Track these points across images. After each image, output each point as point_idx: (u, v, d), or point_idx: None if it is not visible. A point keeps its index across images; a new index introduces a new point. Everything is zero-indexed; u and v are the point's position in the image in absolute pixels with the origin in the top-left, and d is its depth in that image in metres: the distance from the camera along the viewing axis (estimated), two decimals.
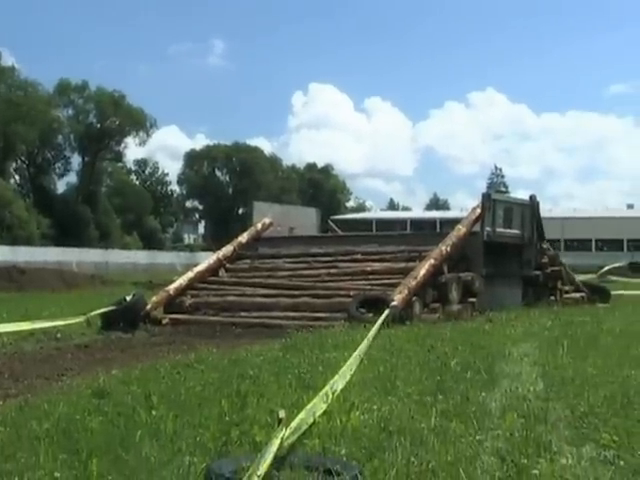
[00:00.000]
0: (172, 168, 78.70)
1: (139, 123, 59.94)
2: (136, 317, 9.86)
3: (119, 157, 64.49)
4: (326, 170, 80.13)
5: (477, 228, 11.39)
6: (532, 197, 13.03)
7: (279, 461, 2.91)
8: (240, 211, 68.64)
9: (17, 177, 58.66)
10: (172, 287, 11.15)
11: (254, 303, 10.54)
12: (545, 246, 13.13)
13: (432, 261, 10.19)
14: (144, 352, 7.54)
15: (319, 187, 75.47)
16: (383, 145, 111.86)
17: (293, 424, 3.27)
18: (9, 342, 8.01)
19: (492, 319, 9.22)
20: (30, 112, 51.23)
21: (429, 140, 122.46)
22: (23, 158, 57.72)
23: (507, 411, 3.97)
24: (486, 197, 11.73)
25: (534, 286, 12.41)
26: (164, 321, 10.27)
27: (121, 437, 3.50)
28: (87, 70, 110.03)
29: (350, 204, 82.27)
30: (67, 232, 49.49)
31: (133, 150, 64.34)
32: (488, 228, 11.33)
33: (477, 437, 3.46)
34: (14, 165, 57.77)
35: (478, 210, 11.51)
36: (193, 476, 2.94)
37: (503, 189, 70.80)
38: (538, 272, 12.45)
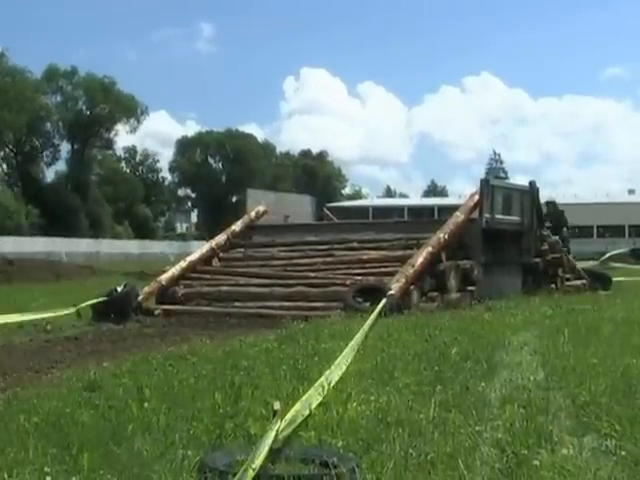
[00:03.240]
0: (162, 155, 78.46)
1: (130, 110, 59.68)
2: (127, 308, 9.84)
3: (109, 145, 64.26)
4: (321, 157, 80.00)
5: (476, 215, 11.37)
6: (532, 183, 13.02)
7: (274, 454, 2.91)
8: (234, 199, 68.53)
9: (4, 166, 58.46)
10: (164, 277, 11.12)
11: (248, 293, 10.53)
12: (545, 233, 13.13)
13: (430, 249, 10.18)
14: (136, 344, 7.52)
15: (314, 174, 75.38)
16: (378, 131, 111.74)
17: (288, 416, 3.26)
18: None
19: (491, 307, 9.23)
20: (18, 99, 50.93)
21: (425, 125, 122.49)
22: (10, 146, 57.42)
23: (507, 401, 3.98)
24: (484, 183, 11.71)
25: (534, 274, 12.42)
26: (156, 312, 10.25)
27: (113, 431, 3.49)
28: (74, 55, 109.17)
29: (346, 191, 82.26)
30: (56, 222, 49.35)
31: (123, 137, 64.01)
32: (487, 215, 11.30)
33: (476, 428, 3.46)
34: (1, 154, 57.48)
35: (476, 197, 11.48)
36: (186, 470, 2.93)
37: (502, 175, 70.82)
38: (538, 259, 12.45)
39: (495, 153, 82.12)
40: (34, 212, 51.23)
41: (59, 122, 58.84)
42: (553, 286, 12.63)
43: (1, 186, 49.97)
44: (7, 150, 57.76)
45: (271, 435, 2.85)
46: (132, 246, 48.10)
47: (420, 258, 9.89)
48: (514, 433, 3.36)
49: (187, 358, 5.79)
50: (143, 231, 60.34)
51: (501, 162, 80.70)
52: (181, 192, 78.42)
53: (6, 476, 2.84)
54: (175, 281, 11.18)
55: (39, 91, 55.90)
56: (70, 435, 3.40)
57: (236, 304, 10.24)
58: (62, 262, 29.65)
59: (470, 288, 10.56)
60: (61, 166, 62.02)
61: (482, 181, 11.87)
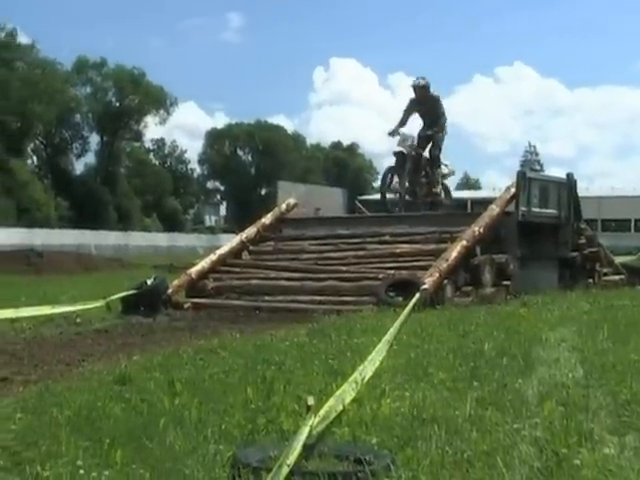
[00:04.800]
0: (190, 146, 79.03)
1: (159, 101, 60.12)
2: (157, 301, 9.93)
3: (138, 136, 64.81)
4: (351, 149, 79.76)
5: (511, 208, 11.24)
6: (569, 175, 12.82)
7: (308, 450, 2.91)
8: (263, 192, 68.76)
9: (35, 158, 59.34)
10: (194, 270, 11.20)
11: (278, 287, 10.55)
12: (583, 226, 12.94)
13: (464, 243, 10.09)
14: (165, 337, 7.60)
15: (344, 166, 75.18)
16: (409, 122, 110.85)
17: (322, 412, 3.26)
18: (28, 327, 8.11)
19: (527, 303, 9.11)
20: (48, 91, 51.63)
21: (456, 117, 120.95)
22: (41, 138, 58.27)
23: (545, 399, 3.92)
24: (521, 175, 11.57)
25: (571, 268, 12.25)
26: (186, 305, 10.34)
27: (144, 425, 3.52)
28: (102, 46, 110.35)
29: (377, 184, 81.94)
30: (85, 214, 50.04)
31: (152, 129, 64.56)
32: (523, 208, 11.18)
33: (514, 426, 3.42)
34: (31, 146, 58.38)
35: (512, 189, 11.35)
36: (219, 465, 2.95)
37: (537, 167, 69.90)
38: (575, 253, 12.28)
39: (530, 145, 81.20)
40: (63, 204, 52.02)
41: (88, 114, 59.53)
42: (590, 281, 12.45)
43: (31, 178, 50.72)
44: (37, 142, 58.64)
45: (305, 431, 2.85)
46: (161, 239, 48.56)
47: (454, 252, 9.81)
48: (553, 431, 3.30)
49: (217, 352, 5.82)
50: (172, 224, 60.86)
51: (536, 154, 79.77)
52: (210, 184, 78.86)
53: (39, 469, 2.88)
54: (205, 274, 11.24)
55: (69, 83, 56.61)
56: (102, 429, 3.44)
57: (266, 298, 10.28)
58: (91, 254, 30.07)
59: (505, 283, 10.45)
60: (90, 158, 62.85)
61: (519, 173, 11.73)
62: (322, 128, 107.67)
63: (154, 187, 64.49)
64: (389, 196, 12.71)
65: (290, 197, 13.35)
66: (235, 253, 12.00)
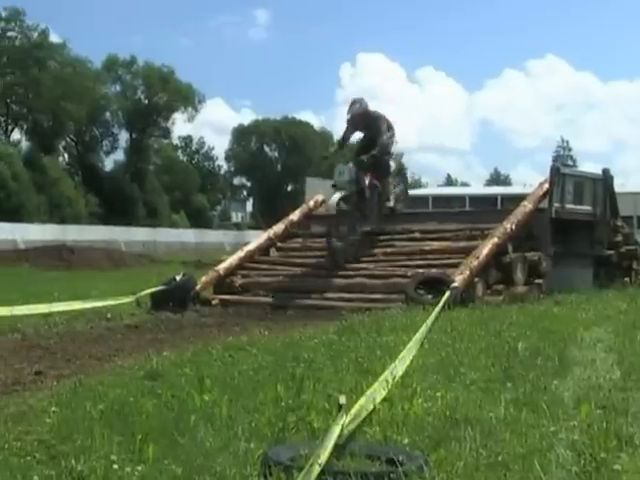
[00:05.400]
0: (217, 142, 79.49)
1: (187, 99, 60.62)
2: (186, 297, 9.99)
3: (166, 134, 65.43)
4: None
5: (545, 204, 11.08)
6: (605, 171, 12.61)
7: (339, 449, 2.89)
8: (289, 188, 68.92)
9: (66, 155, 60.24)
10: (222, 267, 11.23)
11: (306, 284, 10.54)
12: (619, 223, 12.72)
13: (495, 240, 9.98)
14: (194, 333, 7.64)
15: None
16: (437, 117, 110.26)
17: (353, 410, 3.24)
18: (61, 322, 8.22)
19: (561, 302, 9.00)
20: (78, 89, 52.34)
21: (486, 111, 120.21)
22: (72, 136, 59.12)
23: (582, 401, 3.84)
24: (555, 171, 11.39)
25: (606, 267, 12.04)
26: (214, 302, 10.38)
27: (175, 421, 3.53)
28: (130, 44, 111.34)
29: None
30: (115, 210, 50.66)
31: (179, 126, 65.09)
32: (557, 204, 11.00)
33: (551, 428, 3.37)
34: (63, 143, 59.28)
35: (546, 185, 11.18)
36: (250, 462, 2.94)
37: (570, 163, 68.99)
38: (611, 251, 12.07)
39: (563, 140, 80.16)
40: (93, 201, 52.72)
41: (118, 111, 60.27)
42: (627, 280, 12.23)
43: (63, 175, 51.47)
44: (68, 140, 59.55)
45: (336, 430, 2.83)
46: (189, 235, 48.84)
47: (485, 249, 9.70)
48: (591, 435, 3.24)
49: (246, 349, 5.83)
50: (199, 220, 61.31)
51: (569, 149, 78.74)
52: (236, 181, 79.31)
53: (74, 463, 2.91)
54: (233, 271, 11.27)
55: (99, 81, 57.33)
56: (134, 424, 3.46)
57: (294, 295, 10.27)
58: (121, 250, 30.38)
59: (538, 281, 10.30)
60: (119, 155, 63.61)
61: (552, 169, 11.55)
62: None
63: (182, 184, 65.03)
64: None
65: (318, 193, 13.32)
66: (263, 250, 12.01)
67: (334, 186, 10.35)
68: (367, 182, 10.21)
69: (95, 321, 8.40)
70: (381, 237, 11.57)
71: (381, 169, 10.68)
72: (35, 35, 53.45)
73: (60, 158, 58.03)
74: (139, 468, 2.87)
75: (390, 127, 11.09)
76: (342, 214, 10.19)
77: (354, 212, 10.26)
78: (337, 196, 10.03)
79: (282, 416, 3.58)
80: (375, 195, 10.57)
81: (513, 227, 10.37)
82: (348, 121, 10.96)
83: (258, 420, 3.55)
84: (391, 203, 11.20)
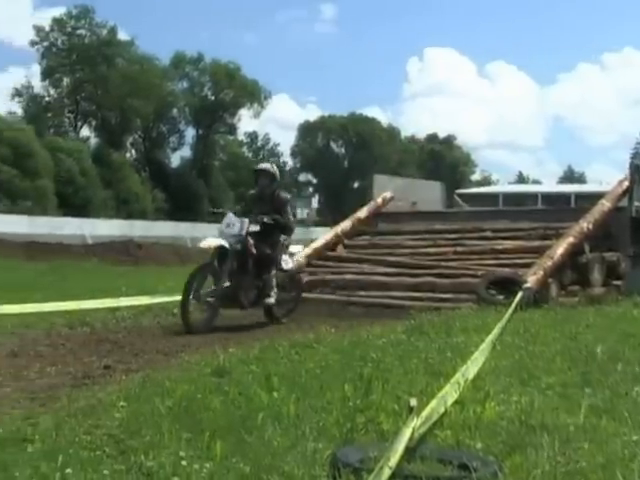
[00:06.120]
0: (282, 139, 79.87)
1: (253, 95, 61.27)
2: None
3: (232, 130, 66.27)
4: (448, 141, 78.52)
5: (624, 203, 10.74)
6: None
7: (410, 452, 2.85)
8: (355, 185, 68.81)
9: (133, 151, 61.79)
10: None
11: (373, 282, 10.50)
12: None
13: (571, 239, 9.72)
14: (260, 330, 7.71)
15: (440, 159, 74.10)
16: (508, 113, 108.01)
17: (424, 413, 3.19)
18: (128, 316, 8.44)
19: None
20: (146, 86, 53.61)
21: (559, 107, 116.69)
22: (139, 132, 60.63)
23: None
24: (635, 168, 11.04)
25: None
26: None
27: (243, 418, 3.56)
28: (197, 40, 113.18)
29: (475, 177, 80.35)
30: (181, 206, 51.63)
31: (245, 122, 65.86)
32: (637, 203, 10.69)
33: (633, 437, 3.24)
34: (130, 139, 60.83)
35: (626, 183, 10.86)
36: (318, 463, 2.93)
37: None
38: None
39: None
40: (160, 196, 53.88)
41: (185, 108, 61.42)
42: None
43: (130, 171, 52.86)
44: (136, 136, 61.05)
45: (407, 432, 2.79)
46: None
47: (560, 249, 9.46)
48: None
49: (313, 347, 5.84)
50: None
51: None
52: (302, 177, 79.65)
53: (143, 458, 2.96)
54: (299, 268, 11.32)
55: (166, 78, 58.57)
56: (202, 420, 3.50)
57: (360, 293, 10.25)
58: (187, 246, 30.94)
59: (616, 282, 10.00)
60: (186, 151, 64.78)
61: (632, 166, 11.21)
62: (417, 120, 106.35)
63: (247, 180, 65.66)
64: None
65: (386, 191, 13.26)
66: (330, 247, 12.03)
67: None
68: (254, 249, 8.25)
69: (162, 316, 8.58)
70: (450, 235, 11.43)
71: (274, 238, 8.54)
72: (104, 33, 55.01)
73: (127, 154, 59.59)
74: (207, 465, 2.89)
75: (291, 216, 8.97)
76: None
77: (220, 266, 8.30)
78: (213, 242, 8.43)
79: (350, 417, 3.56)
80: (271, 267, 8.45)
81: (590, 226, 10.09)
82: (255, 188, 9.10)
83: (326, 420, 3.54)
84: (288, 265, 8.83)
